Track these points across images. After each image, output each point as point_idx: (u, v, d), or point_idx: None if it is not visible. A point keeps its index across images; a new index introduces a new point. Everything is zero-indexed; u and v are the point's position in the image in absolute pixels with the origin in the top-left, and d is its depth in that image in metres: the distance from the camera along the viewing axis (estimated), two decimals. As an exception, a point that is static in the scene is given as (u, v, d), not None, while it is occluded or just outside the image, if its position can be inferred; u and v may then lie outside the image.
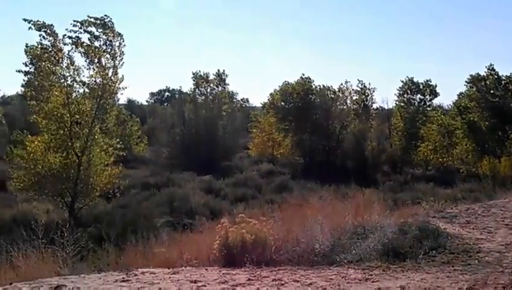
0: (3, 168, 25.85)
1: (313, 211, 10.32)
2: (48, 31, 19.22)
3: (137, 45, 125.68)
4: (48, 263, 7.67)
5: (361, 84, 45.90)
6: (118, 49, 20.13)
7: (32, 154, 19.79)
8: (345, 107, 45.82)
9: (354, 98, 46.04)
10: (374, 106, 47.26)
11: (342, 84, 45.72)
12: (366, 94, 45.96)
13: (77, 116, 19.90)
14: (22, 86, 19.98)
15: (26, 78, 20.82)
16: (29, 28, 19.05)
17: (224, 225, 8.51)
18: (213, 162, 38.31)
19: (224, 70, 47.44)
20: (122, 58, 20.23)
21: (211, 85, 47.23)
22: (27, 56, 19.56)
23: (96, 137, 20.32)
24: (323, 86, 45.50)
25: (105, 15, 19.82)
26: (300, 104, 44.05)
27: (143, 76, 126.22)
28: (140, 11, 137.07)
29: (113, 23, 19.86)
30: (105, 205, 22.38)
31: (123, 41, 20.21)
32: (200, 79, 46.89)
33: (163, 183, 28.76)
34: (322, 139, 43.61)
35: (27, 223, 17.69)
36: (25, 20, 19.00)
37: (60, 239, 7.95)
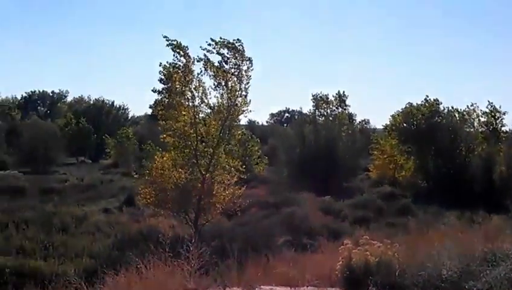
0: (132, 184, 27.30)
1: (438, 235, 9.95)
2: (182, 52, 19.98)
3: (257, 65, 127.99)
4: (175, 276, 7.93)
5: (491, 106, 43.59)
6: (246, 73, 20.45)
7: (160, 170, 20.66)
8: (471, 129, 43.74)
9: (482, 120, 43.83)
10: (504, 128, 44.68)
11: (468, 106, 43.81)
12: (496, 117, 43.54)
13: (203, 135, 20.55)
14: (150, 107, 21.00)
15: (156, 97, 21.67)
16: (167, 45, 19.83)
17: (347, 246, 8.41)
18: (333, 183, 38.04)
19: (344, 92, 47.16)
20: (248, 82, 20.56)
21: (331, 106, 47.05)
22: (160, 75, 20.35)
23: (219, 157, 20.81)
24: (451, 107, 43.84)
25: (237, 39, 20.17)
26: (424, 126, 42.68)
27: (263, 97, 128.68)
28: (263, 32, 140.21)
29: (243, 47, 20.21)
30: (227, 222, 22.90)
31: (251, 65, 20.47)
32: (319, 100, 46.90)
33: (283, 202, 28.92)
34: (447, 163, 41.86)
35: (153, 237, 18.56)
36: (164, 36, 19.85)
37: (186, 253, 8.20)
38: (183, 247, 8.33)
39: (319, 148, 44.56)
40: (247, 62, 20.33)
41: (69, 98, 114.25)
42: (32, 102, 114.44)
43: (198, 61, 20.07)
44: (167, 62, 20.11)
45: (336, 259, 8.50)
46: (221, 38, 20.03)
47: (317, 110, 47.18)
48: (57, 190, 34.57)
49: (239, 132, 22.60)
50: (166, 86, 20.41)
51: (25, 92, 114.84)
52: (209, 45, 19.91)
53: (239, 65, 20.21)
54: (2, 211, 23.92)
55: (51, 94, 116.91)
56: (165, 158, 20.91)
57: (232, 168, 21.13)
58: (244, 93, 20.52)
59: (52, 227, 20.89)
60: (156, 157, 21.36)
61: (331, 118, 46.81)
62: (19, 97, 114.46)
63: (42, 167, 49.97)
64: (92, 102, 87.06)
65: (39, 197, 30.08)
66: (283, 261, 11.70)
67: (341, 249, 8.48)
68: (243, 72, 20.30)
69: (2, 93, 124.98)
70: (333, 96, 46.89)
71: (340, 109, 46.90)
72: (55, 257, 16.47)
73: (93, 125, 69.78)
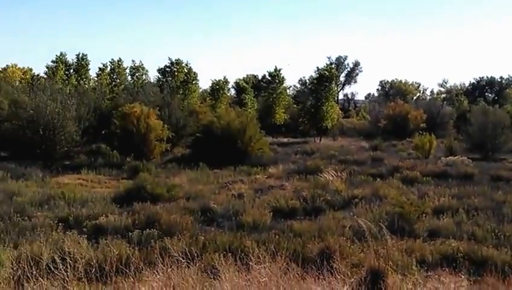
0: None
1: None
2: None
3: None
4: None
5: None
6: None
7: None
8: None
9: None
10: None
11: None
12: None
13: None
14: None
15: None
16: None
17: None
18: None
19: None
20: None
21: None
22: None
23: None
24: None
25: None
26: None
27: None
28: None
29: None
30: None
31: None
32: None
33: None
34: None
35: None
36: None
37: None
38: None
39: None
40: None
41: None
42: (480, 88, 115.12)
43: None
44: None
45: None
46: None
47: None
48: (506, 178, 33.69)
49: None
50: None
51: (473, 79, 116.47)
52: None
53: None
54: (453, 196, 24.71)
55: (499, 80, 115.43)
56: None
57: None
58: None
59: (502, 216, 20.56)
60: None
61: None
62: (466, 84, 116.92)
63: (490, 154, 49.62)
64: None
65: (488, 185, 29.90)
66: None
67: None
68: None
69: (450, 80, 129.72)
70: None
71: None
72: (507, 246, 16.17)
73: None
